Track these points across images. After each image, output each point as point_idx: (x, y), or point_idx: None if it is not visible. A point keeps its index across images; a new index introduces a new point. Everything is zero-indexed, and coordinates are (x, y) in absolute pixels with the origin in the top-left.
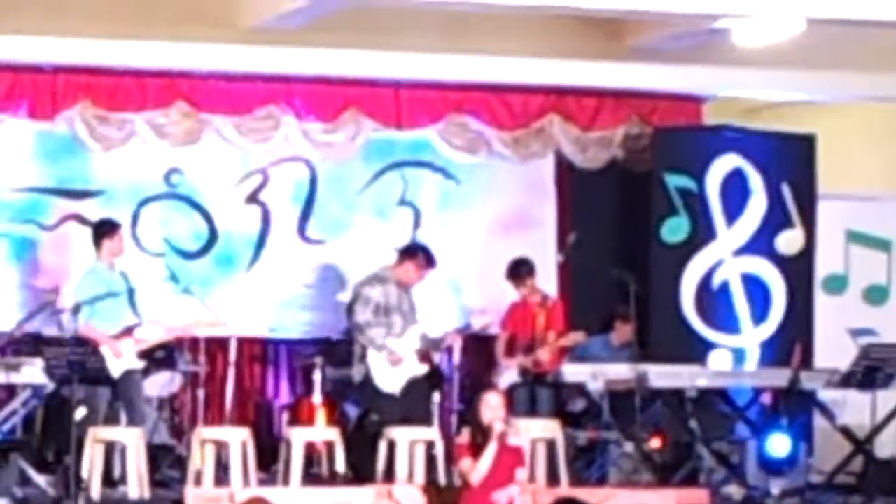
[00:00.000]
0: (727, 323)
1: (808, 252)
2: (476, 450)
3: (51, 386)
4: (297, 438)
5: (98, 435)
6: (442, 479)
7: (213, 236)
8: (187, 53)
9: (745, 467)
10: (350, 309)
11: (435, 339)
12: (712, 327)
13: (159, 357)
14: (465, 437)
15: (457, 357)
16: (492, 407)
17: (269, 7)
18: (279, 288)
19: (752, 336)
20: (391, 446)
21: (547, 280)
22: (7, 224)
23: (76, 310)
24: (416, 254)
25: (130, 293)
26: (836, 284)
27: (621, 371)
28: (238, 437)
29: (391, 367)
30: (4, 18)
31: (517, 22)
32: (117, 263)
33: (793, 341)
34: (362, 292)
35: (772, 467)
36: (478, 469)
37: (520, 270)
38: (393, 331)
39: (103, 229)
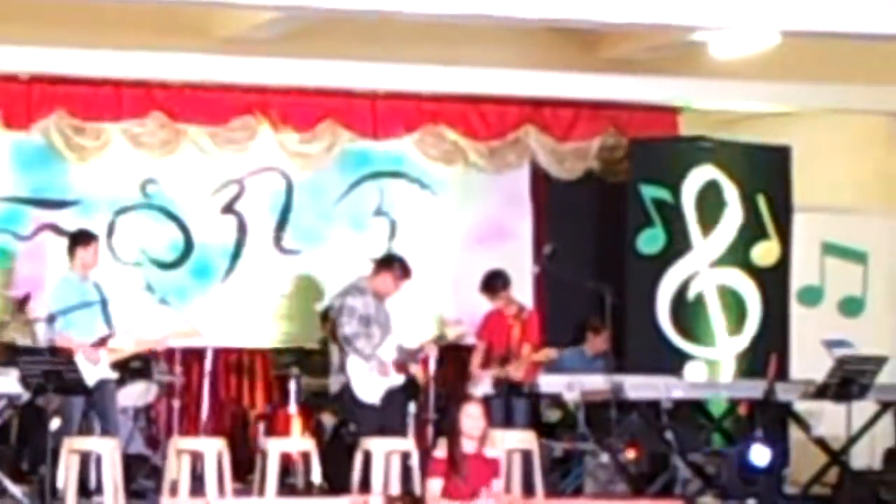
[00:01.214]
0: (703, 334)
1: (783, 263)
2: (452, 464)
3: (26, 395)
4: (273, 449)
5: (73, 445)
6: (417, 489)
7: (188, 246)
8: (163, 63)
9: (726, 477)
10: (331, 320)
11: (411, 349)
12: (688, 338)
13: (135, 367)
14: (442, 451)
15: (432, 367)
16: (473, 417)
17: (246, 17)
18: (255, 298)
19: (728, 347)
20: (367, 457)
21: (523, 291)
22: None
23: (50, 319)
24: (393, 264)
25: (104, 304)
26: (812, 296)
27: (597, 382)
28: (214, 448)
29: (379, 377)
30: None
31: (493, 33)
32: (91, 274)
33: (768, 352)
34: (346, 303)
35: (751, 477)
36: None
37: (494, 283)
38: (373, 341)
39: (78, 239)
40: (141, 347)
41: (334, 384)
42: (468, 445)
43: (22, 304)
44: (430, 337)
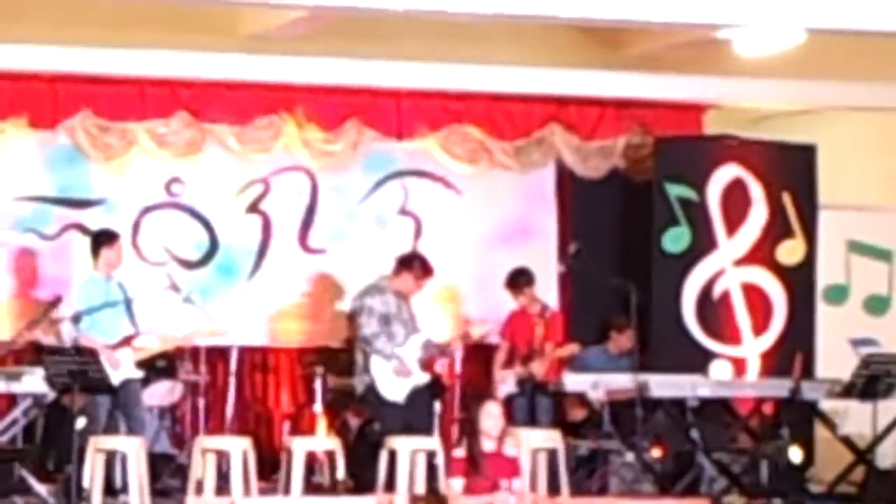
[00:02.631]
0: (728, 333)
1: (808, 262)
2: (474, 463)
3: (51, 395)
4: (298, 448)
5: (99, 444)
6: (443, 488)
7: (213, 246)
8: (188, 62)
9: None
10: (353, 320)
11: (438, 345)
12: (713, 337)
13: (160, 366)
14: (462, 451)
15: (458, 366)
16: (492, 416)
17: (271, 16)
18: (280, 297)
19: (754, 346)
20: (392, 456)
21: (548, 290)
22: (7, 233)
23: (76, 319)
24: (413, 264)
25: (128, 303)
26: (837, 294)
27: (622, 380)
28: (239, 447)
29: (397, 377)
30: (4, 27)
31: (519, 31)
32: (116, 274)
33: (794, 351)
34: (364, 304)
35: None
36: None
37: (518, 280)
38: (395, 340)
39: (102, 239)
40: (166, 346)
41: (359, 384)
42: (488, 444)
43: (52, 305)
44: (455, 335)
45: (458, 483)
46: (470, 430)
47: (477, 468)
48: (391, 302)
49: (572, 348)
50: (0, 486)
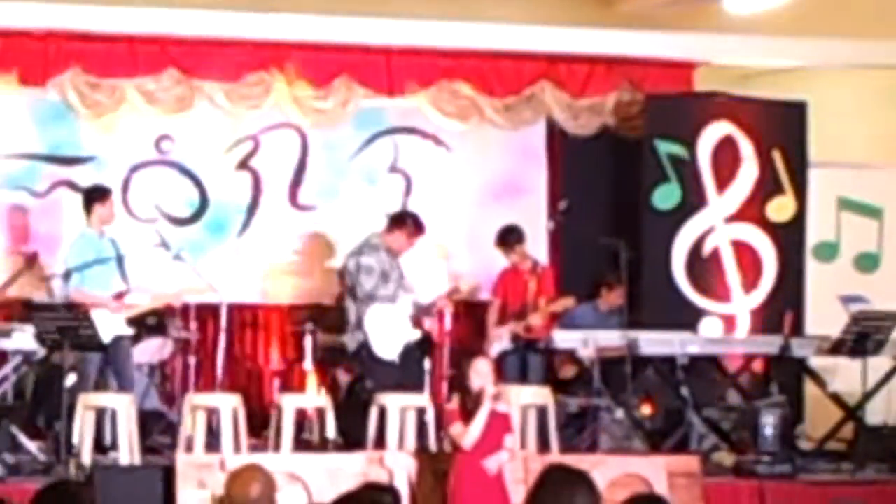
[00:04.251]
0: (718, 290)
1: (799, 219)
2: (465, 415)
3: (41, 352)
4: (288, 405)
5: (89, 401)
6: (433, 445)
7: (204, 203)
8: (178, 19)
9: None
10: (344, 278)
11: (426, 304)
12: (703, 294)
13: (150, 323)
14: (454, 403)
15: (448, 323)
16: (481, 374)
17: None
18: (270, 254)
19: (743, 303)
20: (382, 413)
21: (537, 247)
22: None
23: (66, 276)
24: (406, 221)
25: (120, 260)
26: (828, 252)
27: (612, 338)
28: (229, 404)
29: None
30: None
31: None
32: (107, 230)
33: (784, 308)
34: (361, 262)
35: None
36: (470, 433)
37: (509, 237)
38: (388, 297)
39: (94, 195)
40: (156, 304)
41: (351, 341)
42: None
43: (31, 260)
44: (444, 292)
45: (458, 426)
46: (462, 386)
47: (468, 421)
48: (384, 259)
49: (567, 302)
50: None
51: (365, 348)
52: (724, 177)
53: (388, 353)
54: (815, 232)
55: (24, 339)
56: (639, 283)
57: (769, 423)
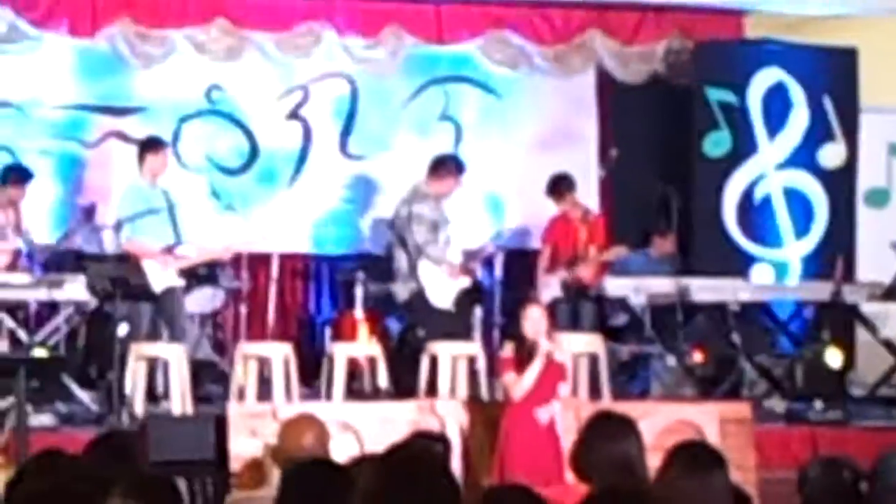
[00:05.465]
0: (769, 237)
1: (850, 166)
2: (519, 364)
3: (93, 302)
4: (340, 354)
5: (141, 351)
6: (484, 394)
7: (254, 153)
8: None
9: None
10: (394, 227)
11: (472, 250)
12: (754, 241)
13: (201, 273)
14: (508, 351)
15: (498, 271)
16: (533, 320)
17: None
18: (320, 203)
19: (795, 250)
20: (433, 361)
21: (588, 195)
22: (50, 141)
23: (117, 227)
24: (448, 164)
25: (171, 210)
26: (879, 198)
27: (664, 285)
28: (280, 353)
29: (451, 279)
30: None
31: None
32: (160, 181)
33: (835, 255)
34: (413, 211)
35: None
36: (521, 384)
37: (560, 186)
38: (439, 245)
39: (148, 146)
40: (207, 255)
41: (402, 290)
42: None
43: (88, 213)
44: (489, 237)
45: (511, 376)
46: (516, 334)
47: (522, 370)
48: (434, 207)
49: (619, 251)
50: (43, 393)
51: (418, 297)
52: (775, 124)
53: (441, 302)
54: (866, 178)
55: (76, 289)
56: (690, 230)
57: (821, 370)
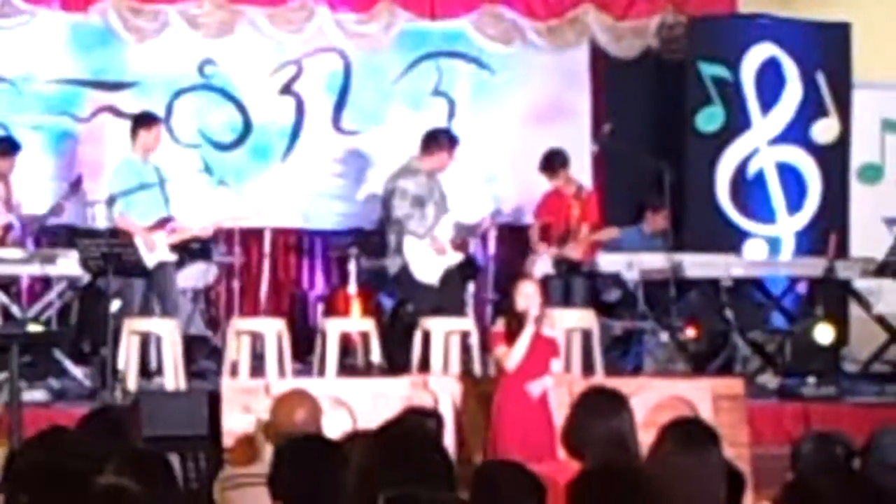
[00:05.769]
0: (762, 212)
1: (843, 141)
2: (511, 338)
3: (86, 277)
4: (333, 329)
5: (134, 326)
6: (477, 369)
7: (247, 127)
8: None
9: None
10: (386, 203)
11: (470, 225)
12: (747, 216)
13: (194, 248)
14: (500, 325)
15: (491, 246)
16: (526, 295)
17: None
18: (313, 179)
19: (788, 225)
20: (426, 337)
21: (581, 170)
22: (42, 116)
23: (110, 202)
24: (441, 139)
25: (163, 185)
26: (872, 173)
27: (656, 260)
28: (273, 328)
29: (435, 255)
30: None
31: None
32: (152, 157)
33: (828, 230)
34: (397, 186)
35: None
36: (513, 355)
37: (553, 161)
38: (427, 222)
39: (141, 121)
40: (199, 230)
41: (392, 265)
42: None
43: (75, 186)
44: (488, 213)
45: (501, 348)
46: (507, 309)
47: (513, 344)
48: (423, 183)
49: (611, 232)
50: (36, 369)
51: (405, 272)
52: (768, 99)
53: (427, 277)
54: (860, 154)
55: (68, 264)
56: (683, 205)
57: (813, 346)
